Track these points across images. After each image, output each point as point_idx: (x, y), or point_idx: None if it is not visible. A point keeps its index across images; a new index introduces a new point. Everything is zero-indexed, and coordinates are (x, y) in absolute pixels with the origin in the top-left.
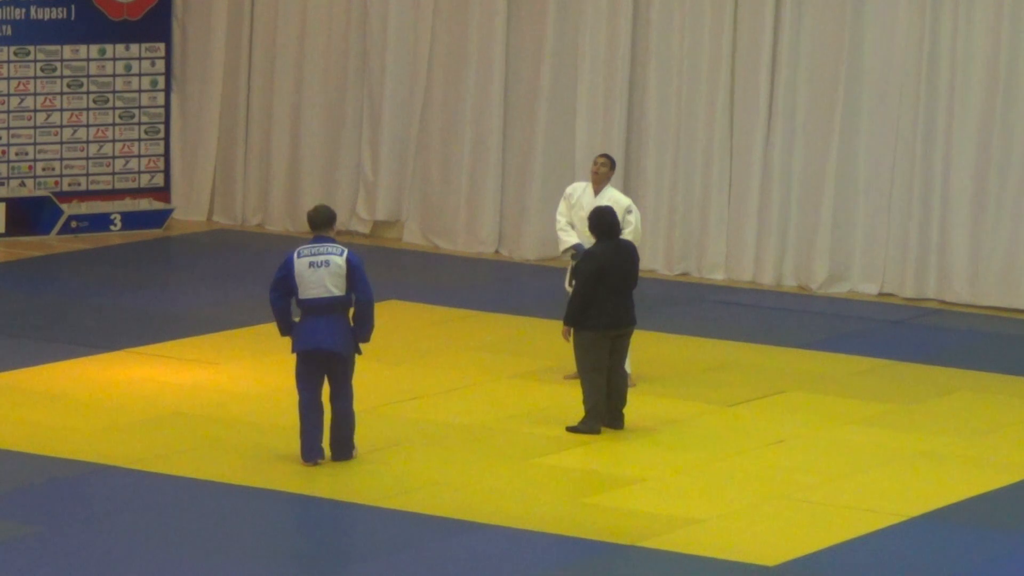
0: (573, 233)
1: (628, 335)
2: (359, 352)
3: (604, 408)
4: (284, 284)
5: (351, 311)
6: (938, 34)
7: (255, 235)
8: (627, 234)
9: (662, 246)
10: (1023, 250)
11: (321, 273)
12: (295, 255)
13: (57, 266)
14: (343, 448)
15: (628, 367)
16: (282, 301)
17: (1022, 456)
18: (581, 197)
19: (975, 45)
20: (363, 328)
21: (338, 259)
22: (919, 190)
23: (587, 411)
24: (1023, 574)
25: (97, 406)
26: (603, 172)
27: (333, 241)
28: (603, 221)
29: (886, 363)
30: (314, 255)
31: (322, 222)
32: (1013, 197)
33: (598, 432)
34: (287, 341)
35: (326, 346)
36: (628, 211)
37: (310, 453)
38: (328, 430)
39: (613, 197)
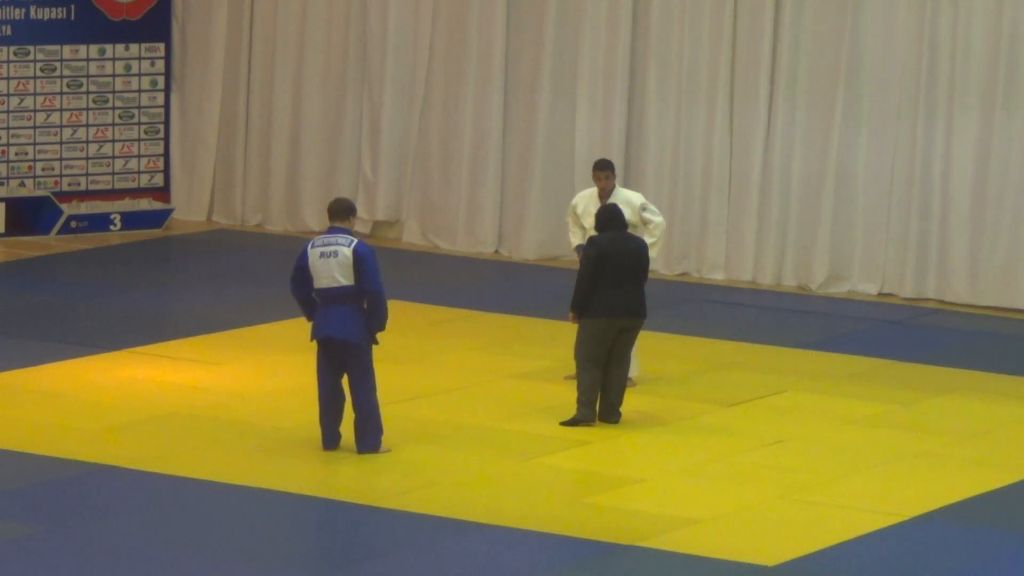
0: (580, 233)
1: (634, 330)
2: (375, 342)
3: (596, 399)
4: (301, 275)
5: (366, 301)
6: (938, 34)
7: (255, 235)
8: (652, 230)
9: (662, 246)
10: (1023, 250)
11: (330, 263)
12: (310, 246)
13: (57, 266)
14: (365, 440)
15: (635, 369)
16: (300, 290)
17: (1022, 456)
18: (588, 205)
19: (975, 45)
20: (375, 318)
21: (346, 250)
22: (919, 190)
23: (579, 402)
24: (1023, 574)
25: (97, 406)
26: (608, 186)
27: (347, 232)
28: (604, 214)
29: (885, 363)
30: (325, 246)
31: (337, 212)
32: (1013, 197)
33: (592, 420)
34: (288, 339)
35: (335, 335)
36: (643, 208)
37: (327, 441)
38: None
39: (625, 198)
